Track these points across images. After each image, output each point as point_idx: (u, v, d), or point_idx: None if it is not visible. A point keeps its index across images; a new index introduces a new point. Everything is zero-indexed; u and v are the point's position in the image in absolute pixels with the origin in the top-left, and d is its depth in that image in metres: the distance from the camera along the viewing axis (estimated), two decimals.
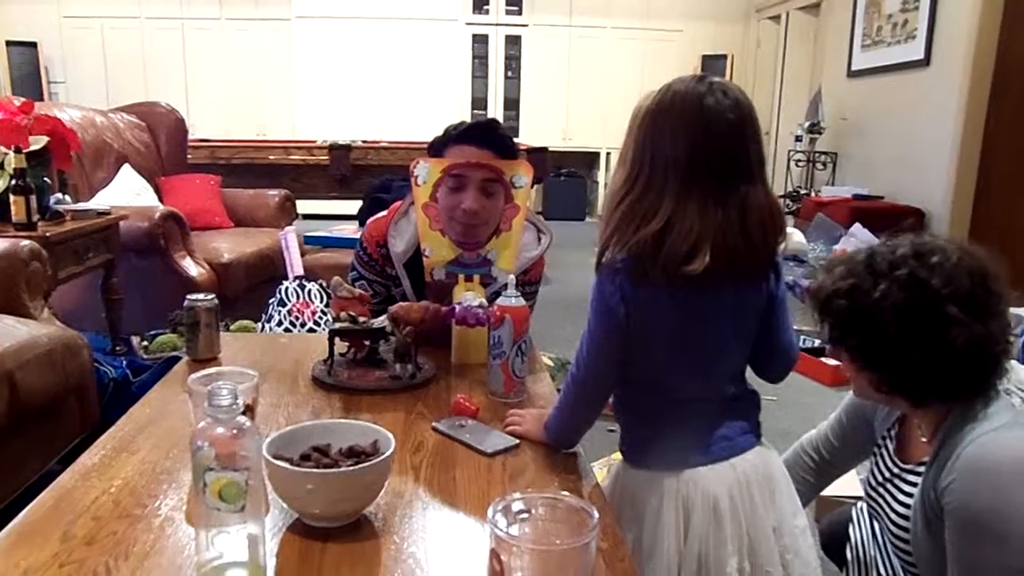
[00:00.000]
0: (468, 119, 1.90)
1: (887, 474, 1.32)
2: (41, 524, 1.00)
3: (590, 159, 9.19)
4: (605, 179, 8.98)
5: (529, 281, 1.81)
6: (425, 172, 1.69)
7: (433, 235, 1.72)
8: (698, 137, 1.12)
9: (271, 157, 5.33)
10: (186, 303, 1.64)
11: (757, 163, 1.16)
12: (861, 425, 1.45)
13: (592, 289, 1.19)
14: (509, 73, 8.98)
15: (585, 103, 8.92)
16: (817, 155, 6.83)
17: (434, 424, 1.33)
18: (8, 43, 8.11)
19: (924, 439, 1.24)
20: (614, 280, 1.15)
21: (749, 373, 1.33)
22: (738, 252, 1.13)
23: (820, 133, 6.76)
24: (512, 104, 9.04)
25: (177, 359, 1.75)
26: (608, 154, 8.93)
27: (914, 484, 1.23)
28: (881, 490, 1.32)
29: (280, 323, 2.91)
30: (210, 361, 1.64)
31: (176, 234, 3.40)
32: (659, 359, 1.21)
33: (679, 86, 1.15)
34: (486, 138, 1.69)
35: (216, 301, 1.66)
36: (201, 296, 1.65)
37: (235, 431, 0.86)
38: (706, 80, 1.15)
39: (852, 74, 6.55)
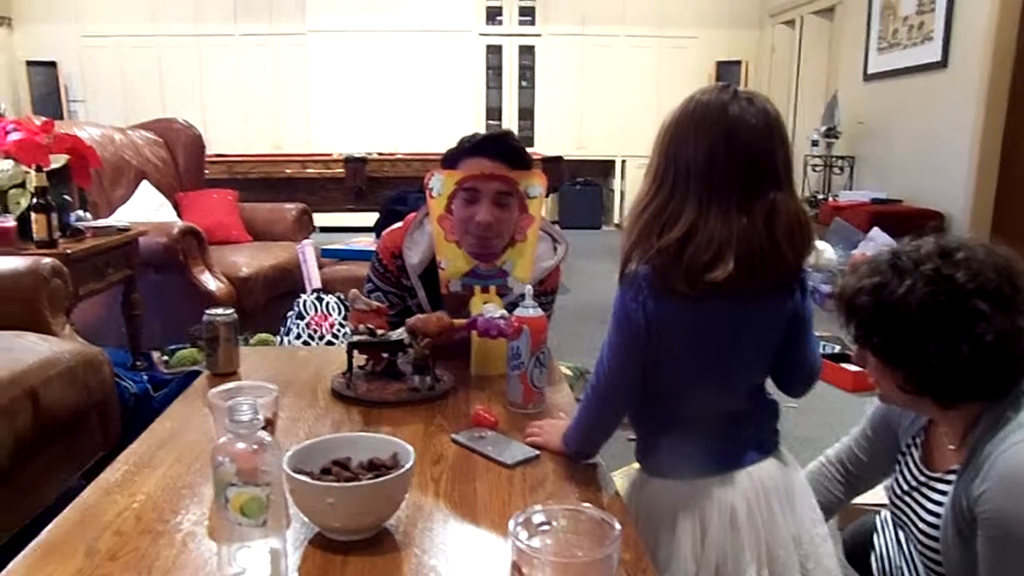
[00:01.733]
0: (483, 130, 1.92)
1: (913, 483, 1.30)
2: (65, 540, 1.01)
3: (606, 167, 9.18)
4: (621, 187, 8.97)
5: (546, 291, 1.81)
6: (439, 184, 1.70)
7: (448, 247, 1.72)
8: (720, 143, 1.11)
9: (287, 171, 5.36)
10: (205, 318, 1.65)
11: (785, 169, 1.15)
12: (886, 435, 1.43)
13: (614, 300, 1.18)
14: (523, 83, 9.00)
15: (600, 111, 8.92)
16: (834, 159, 6.79)
17: (453, 436, 1.33)
18: (28, 63, 8.23)
19: (952, 447, 1.22)
20: (637, 292, 1.15)
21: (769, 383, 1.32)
22: (764, 260, 1.12)
23: (837, 137, 6.72)
24: (527, 114, 9.05)
25: (197, 373, 1.76)
26: (623, 162, 8.92)
27: (942, 492, 1.22)
28: (907, 499, 1.30)
29: (299, 336, 2.92)
30: (230, 375, 1.65)
31: (195, 249, 3.43)
32: (680, 371, 1.20)
33: (703, 96, 1.15)
34: (499, 150, 1.70)
35: (235, 315, 1.67)
36: (220, 310, 1.66)
37: (256, 446, 0.86)
38: (730, 89, 1.15)
39: (868, 77, 6.51)
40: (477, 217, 1.66)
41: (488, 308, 1.61)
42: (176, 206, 4.09)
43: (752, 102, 1.13)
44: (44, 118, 2.96)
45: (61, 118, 7.87)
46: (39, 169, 2.62)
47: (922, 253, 1.14)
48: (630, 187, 8.75)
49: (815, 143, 6.90)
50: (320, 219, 5.40)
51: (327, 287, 3.13)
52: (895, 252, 1.18)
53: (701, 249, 1.10)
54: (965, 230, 5.08)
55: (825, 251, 5.06)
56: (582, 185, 9.07)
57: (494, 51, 8.88)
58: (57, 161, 2.78)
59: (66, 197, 2.83)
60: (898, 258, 1.16)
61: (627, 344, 1.18)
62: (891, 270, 1.15)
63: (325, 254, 3.97)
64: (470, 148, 1.72)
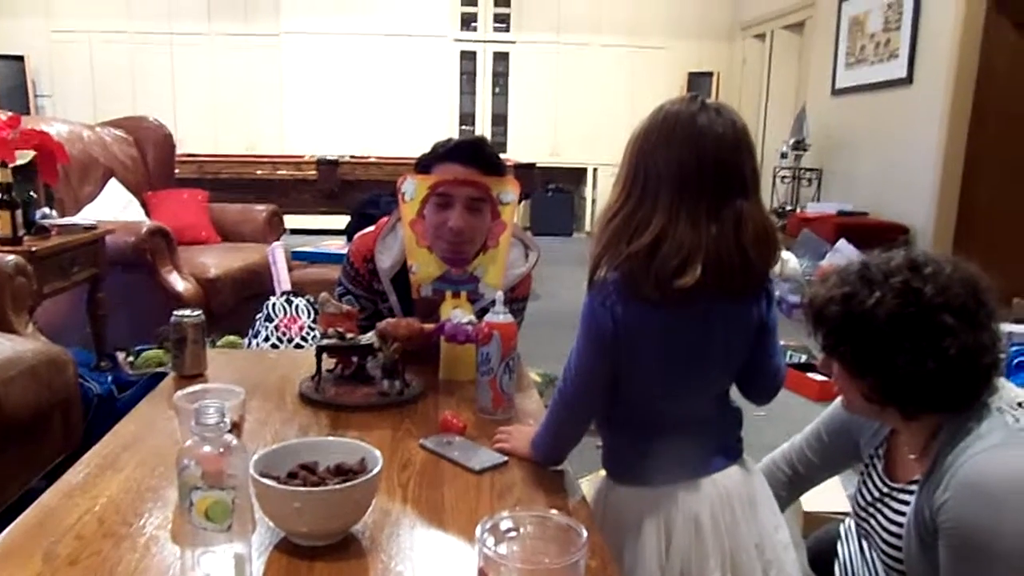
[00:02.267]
0: (456, 135, 1.93)
1: (876, 494, 1.32)
2: (23, 543, 0.99)
3: (578, 175, 9.23)
4: (593, 195, 9.02)
5: (517, 298, 1.81)
6: (412, 189, 1.70)
7: (420, 251, 1.72)
8: (689, 152, 1.12)
9: (259, 172, 5.32)
10: (172, 319, 1.63)
11: (752, 179, 1.16)
12: (843, 442, 1.45)
13: (583, 306, 1.19)
14: (497, 89, 9.01)
15: (573, 119, 8.96)
16: (802, 171, 6.88)
17: (422, 441, 1.33)
18: None
19: (913, 456, 1.24)
20: (605, 297, 1.15)
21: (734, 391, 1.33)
22: (732, 267, 1.14)
23: (805, 150, 6.82)
24: (500, 120, 9.07)
25: (163, 375, 1.74)
26: (595, 170, 8.97)
27: (905, 503, 1.24)
28: (872, 509, 1.32)
29: (267, 339, 2.89)
30: (197, 377, 1.63)
31: (163, 249, 3.39)
32: (647, 377, 1.21)
33: (672, 107, 1.16)
34: (473, 156, 1.70)
35: (203, 317, 1.66)
36: (188, 311, 1.64)
37: (222, 449, 0.85)
38: (698, 99, 1.16)
39: (836, 92, 6.61)
40: (449, 223, 1.66)
41: (456, 313, 1.61)
42: (145, 205, 4.03)
43: (720, 113, 1.14)
44: (10, 113, 2.91)
45: (28, 113, 7.73)
46: (4, 165, 2.57)
47: (892, 266, 1.16)
48: (601, 195, 8.80)
49: (784, 155, 6.99)
50: (291, 221, 5.36)
51: (297, 290, 3.11)
52: (865, 263, 1.20)
53: (670, 255, 1.11)
54: (929, 243, 5.18)
55: (790, 261, 5.13)
56: (554, 192, 9.10)
57: (468, 57, 8.90)
58: (23, 157, 2.73)
59: (32, 194, 2.78)
60: (868, 269, 1.18)
61: (595, 349, 1.18)
62: (860, 281, 1.17)
63: (296, 256, 3.95)
64: (444, 153, 1.72)
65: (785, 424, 3.13)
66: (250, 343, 2.93)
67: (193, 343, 1.64)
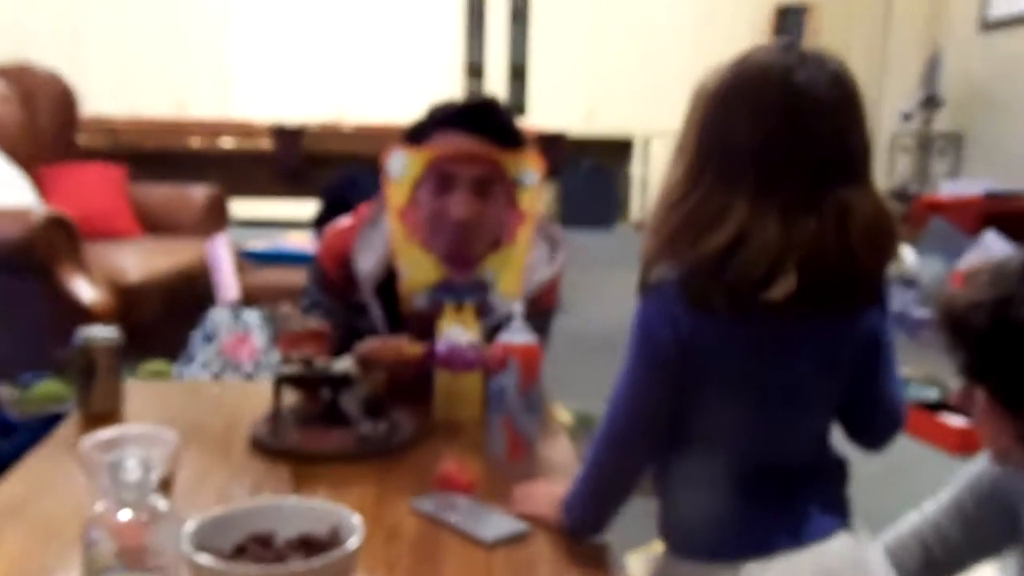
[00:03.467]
0: (459, 93, 1.95)
1: None
2: None
3: (623, 147, 9.22)
4: (644, 173, 9.01)
5: (540, 311, 1.81)
6: (402, 166, 1.71)
7: (411, 249, 1.72)
8: (783, 123, 1.13)
9: (194, 143, 5.35)
10: (77, 339, 1.64)
11: (861, 158, 1.16)
12: (996, 514, 1.43)
13: (634, 317, 1.20)
14: (515, 31, 9.04)
15: (617, 71, 8.95)
16: (934, 139, 6.82)
17: (414, 503, 1.34)
18: None
19: None
20: (664, 304, 1.16)
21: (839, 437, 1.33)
22: (834, 275, 1.14)
23: (938, 108, 6.73)
24: (518, 73, 9.08)
25: (63, 416, 1.75)
26: (647, 140, 8.96)
27: None
28: None
29: (206, 365, 2.91)
30: (110, 418, 1.64)
31: (62, 245, 3.40)
32: (719, 412, 1.21)
33: (760, 57, 1.16)
34: (482, 121, 1.71)
35: (119, 336, 1.67)
36: (98, 329, 1.65)
37: (145, 517, 0.86)
38: (795, 50, 1.16)
39: (988, 25, 6.52)
40: (451, 210, 1.67)
41: (453, 331, 1.62)
42: (36, 185, 4.05)
43: (823, 67, 1.14)
44: None
45: None
46: None
47: None
48: (654, 173, 8.78)
49: (908, 116, 6.92)
50: (239, 208, 5.39)
51: (247, 299, 3.13)
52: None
53: (754, 259, 1.11)
54: None
55: (905, 255, 5.07)
56: (591, 170, 9.11)
57: None
58: None
59: None
60: None
61: (651, 371, 1.19)
62: (1020, 281, 1.16)
63: (246, 256, 3.96)
64: (443, 119, 1.73)
65: (911, 484, 3.09)
66: (183, 371, 2.94)
67: (105, 372, 1.65)
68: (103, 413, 1.65)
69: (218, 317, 2.97)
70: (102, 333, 1.65)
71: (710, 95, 1.18)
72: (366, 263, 1.79)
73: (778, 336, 1.18)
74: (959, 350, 1.21)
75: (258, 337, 2.95)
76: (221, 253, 3.07)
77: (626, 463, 1.26)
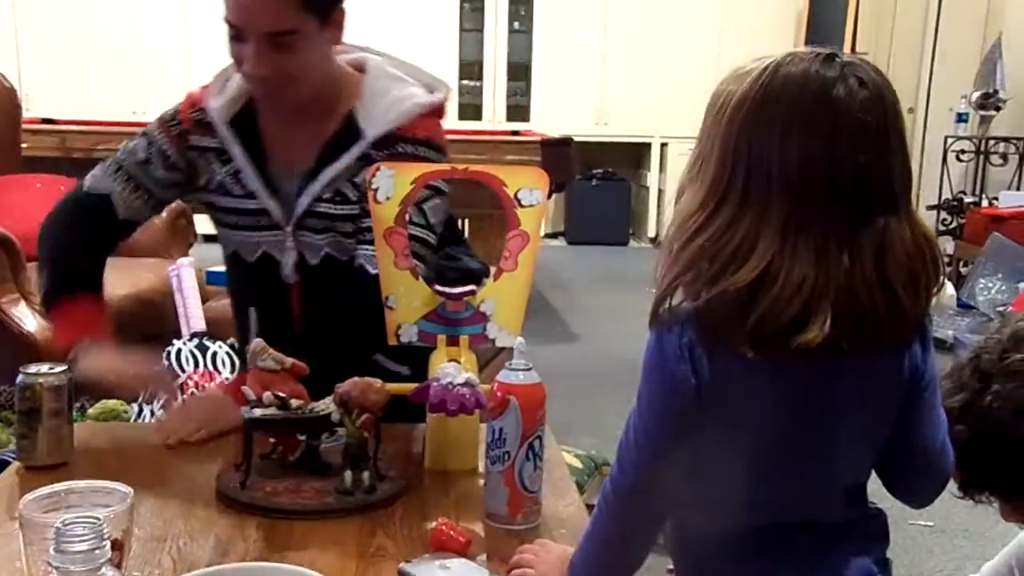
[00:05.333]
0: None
1: None
2: None
3: (638, 153, 9.27)
4: (660, 183, 9.03)
5: (415, 139, 1.91)
6: (389, 183, 1.70)
7: (401, 276, 1.72)
8: (820, 143, 1.12)
9: None
10: (20, 378, 1.63)
11: (902, 184, 1.16)
12: None
13: (645, 351, 1.19)
14: (516, 24, 9.09)
15: (631, 71, 8.99)
16: (993, 143, 6.81)
17: (402, 566, 1.33)
18: None
19: None
20: (680, 337, 1.15)
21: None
22: (872, 315, 1.13)
23: (999, 109, 6.73)
24: (520, 71, 9.14)
25: (3, 465, 1.74)
26: (664, 145, 8.99)
27: None
28: None
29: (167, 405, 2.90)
30: (57, 468, 1.62)
31: (3, 268, 3.40)
32: (744, 463, 1.20)
33: (793, 67, 1.15)
34: None
35: (68, 373, 1.66)
36: (45, 367, 1.64)
37: None
38: (836, 61, 1.15)
39: None
40: (245, 68, 1.81)
41: (447, 369, 1.61)
42: None
43: (864, 82, 1.14)
44: None
45: None
46: None
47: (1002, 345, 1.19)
48: (673, 183, 8.76)
49: (962, 118, 6.91)
50: (206, 225, 5.39)
51: (213, 330, 3.12)
52: (975, 353, 1.23)
53: (785, 297, 1.10)
54: None
55: (945, 288, 5.08)
56: (602, 180, 9.14)
57: None
58: None
59: None
60: (979, 359, 1.20)
61: (667, 415, 1.18)
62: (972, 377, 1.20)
63: (212, 279, 3.95)
64: None
65: (967, 542, 3.06)
66: (141, 411, 2.93)
67: (52, 416, 1.63)
68: (48, 464, 1.63)
69: (181, 350, 2.97)
70: (48, 370, 1.63)
71: (735, 106, 1.16)
72: (218, 101, 1.91)
73: (811, 382, 1.17)
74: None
75: (226, 373, 2.95)
76: (185, 278, 3.07)
77: (638, 519, 1.25)
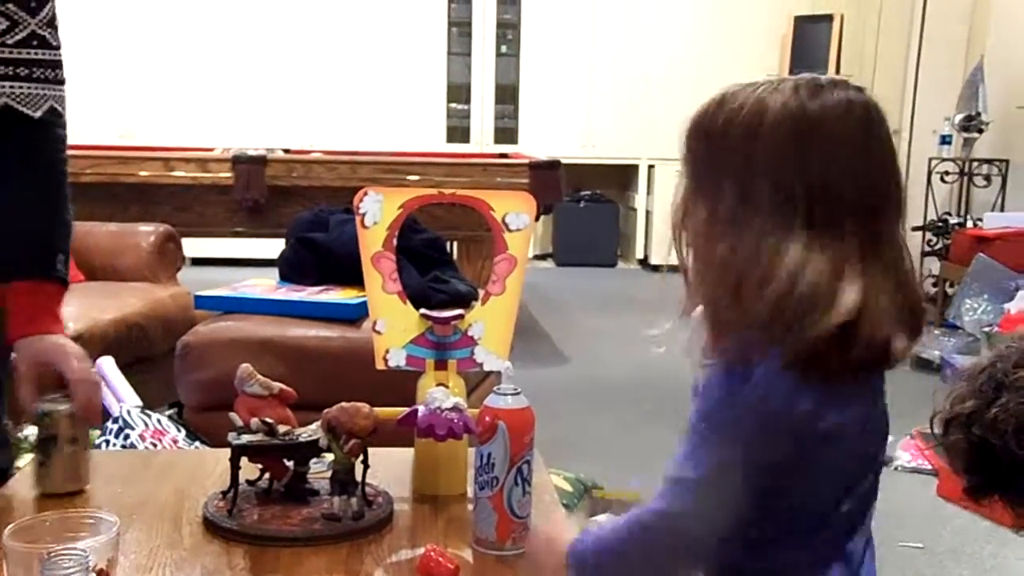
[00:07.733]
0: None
1: None
2: None
3: (625, 175, 9.28)
4: (648, 204, 9.04)
5: None
6: (377, 208, 1.70)
7: (388, 300, 1.72)
8: (883, 171, 1.17)
9: (143, 173, 5.34)
10: (38, 406, 1.62)
11: (898, 205, 1.20)
12: None
13: (714, 389, 1.18)
14: (504, 47, 9.11)
15: (618, 94, 9.02)
16: (977, 164, 6.85)
17: None
18: None
19: None
20: (776, 380, 1.12)
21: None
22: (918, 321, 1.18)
23: (981, 131, 6.77)
24: (508, 94, 9.15)
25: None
26: (651, 167, 9.00)
27: None
28: None
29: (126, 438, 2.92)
30: (74, 496, 1.62)
31: None
32: (821, 499, 1.21)
33: (829, 93, 1.16)
34: None
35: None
36: (56, 397, 1.62)
37: None
38: (827, 85, 1.17)
39: None
40: None
41: (435, 394, 1.61)
42: None
43: (850, 110, 1.16)
44: None
45: None
46: None
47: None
48: (660, 204, 8.80)
49: (946, 140, 6.96)
50: (195, 247, 5.39)
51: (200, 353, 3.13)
52: (993, 360, 1.24)
53: (878, 323, 1.12)
54: None
55: None
56: (589, 201, 9.15)
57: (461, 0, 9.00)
58: None
59: None
60: (994, 367, 1.21)
61: (749, 466, 1.14)
62: (987, 386, 1.21)
63: (200, 304, 3.93)
64: None
65: (955, 564, 3.06)
66: (105, 438, 2.93)
67: (68, 443, 1.62)
68: (66, 491, 1.62)
69: (132, 412, 2.99)
70: (66, 397, 1.62)
71: (769, 132, 1.15)
72: None
73: (865, 402, 1.20)
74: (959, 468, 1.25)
75: (174, 432, 2.98)
76: (106, 370, 3.12)
77: (681, 553, 1.24)
